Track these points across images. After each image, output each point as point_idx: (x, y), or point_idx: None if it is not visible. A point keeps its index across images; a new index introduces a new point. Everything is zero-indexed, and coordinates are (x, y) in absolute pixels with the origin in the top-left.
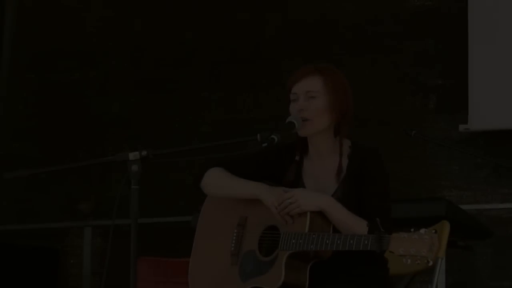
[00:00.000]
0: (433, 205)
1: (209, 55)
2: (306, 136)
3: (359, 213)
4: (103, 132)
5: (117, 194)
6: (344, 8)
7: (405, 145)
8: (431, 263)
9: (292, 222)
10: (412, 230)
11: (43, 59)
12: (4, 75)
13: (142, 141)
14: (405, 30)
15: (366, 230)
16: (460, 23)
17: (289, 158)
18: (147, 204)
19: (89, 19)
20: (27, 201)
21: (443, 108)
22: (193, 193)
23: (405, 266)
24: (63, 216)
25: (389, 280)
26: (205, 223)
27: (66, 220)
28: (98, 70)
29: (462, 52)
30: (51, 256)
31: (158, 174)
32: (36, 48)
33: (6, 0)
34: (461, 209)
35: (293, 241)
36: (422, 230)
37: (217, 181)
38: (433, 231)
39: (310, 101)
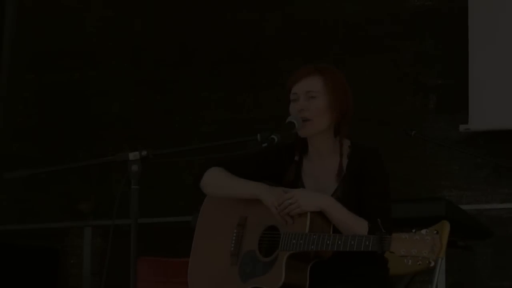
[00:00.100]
0: (433, 205)
1: (209, 55)
2: (306, 136)
3: (359, 213)
4: (103, 132)
5: (117, 194)
6: (344, 8)
7: (405, 145)
8: (432, 264)
9: (292, 223)
10: (413, 230)
11: (43, 59)
12: (4, 75)
13: (142, 141)
14: (405, 30)
15: (367, 230)
16: (460, 23)
17: (289, 158)
18: (147, 204)
19: (89, 19)
20: (27, 201)
21: (443, 108)
22: (193, 193)
23: (406, 266)
24: (63, 216)
25: (389, 280)
26: (205, 223)
27: (66, 220)
28: (98, 70)
29: (462, 52)
30: (51, 256)
31: (158, 174)
32: (36, 48)
33: (6, 0)
34: (461, 209)
35: (294, 241)
36: (424, 231)
37: (217, 181)
38: (435, 231)
39: (311, 101)
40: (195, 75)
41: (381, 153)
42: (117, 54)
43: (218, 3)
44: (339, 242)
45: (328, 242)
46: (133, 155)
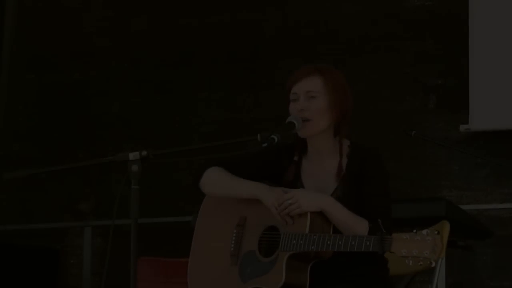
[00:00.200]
0: (433, 205)
1: (209, 55)
2: (306, 136)
3: (359, 212)
4: (103, 132)
5: (117, 194)
6: (344, 8)
7: (405, 145)
8: (434, 264)
9: (292, 223)
10: (414, 231)
11: (43, 59)
12: (4, 75)
13: (142, 141)
14: (405, 30)
15: (367, 231)
16: (460, 23)
17: (288, 158)
18: (147, 204)
19: (89, 19)
20: (27, 201)
21: (443, 108)
22: (193, 193)
23: (407, 266)
24: (63, 216)
25: (389, 280)
26: (204, 223)
27: (66, 220)
28: (98, 70)
29: (462, 52)
30: (51, 256)
31: (158, 174)
32: (36, 48)
33: (6, 0)
34: (461, 209)
35: (294, 241)
36: (425, 231)
37: (216, 181)
38: (436, 232)
39: (311, 101)
40: (195, 75)
41: (381, 153)
42: (117, 54)
43: (218, 3)
44: (340, 243)
45: (328, 242)
46: (133, 155)
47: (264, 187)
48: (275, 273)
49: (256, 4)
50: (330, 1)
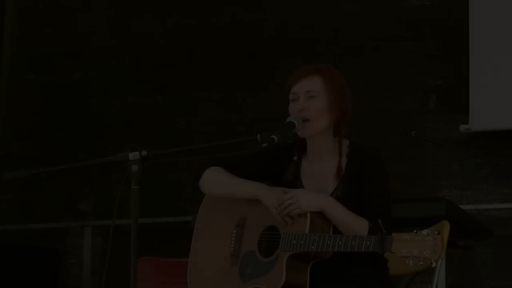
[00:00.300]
0: (433, 205)
1: (209, 55)
2: (306, 136)
3: (359, 212)
4: (103, 132)
5: (117, 194)
6: (344, 8)
7: (405, 145)
8: (434, 265)
9: (292, 223)
10: (414, 231)
11: (43, 59)
12: (4, 75)
13: (142, 141)
14: (405, 30)
15: (367, 231)
16: (460, 23)
17: (288, 158)
18: (147, 204)
19: (89, 19)
20: (27, 201)
21: (443, 108)
22: (193, 193)
23: (407, 267)
24: (63, 216)
25: (389, 280)
26: (204, 223)
27: (66, 220)
28: (98, 70)
29: (462, 52)
30: (51, 256)
31: (158, 174)
32: (36, 48)
33: (6, 0)
34: (461, 209)
35: (294, 241)
36: (425, 231)
37: (216, 181)
38: (436, 232)
39: (311, 101)
40: (195, 75)
41: (381, 152)
42: (117, 54)
43: (218, 3)
44: (340, 243)
45: (328, 242)
46: (133, 155)
47: (264, 187)
48: (275, 273)
49: (256, 4)
50: (330, 1)
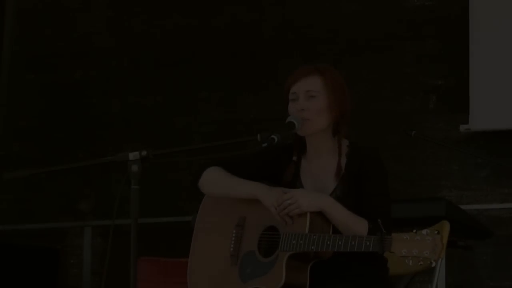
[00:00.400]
0: (433, 205)
1: (209, 55)
2: (305, 135)
3: (359, 212)
4: (103, 132)
5: (117, 194)
6: (344, 8)
7: (405, 145)
8: (434, 264)
9: (291, 223)
10: (414, 231)
11: (43, 59)
12: (4, 75)
13: (142, 141)
14: (405, 30)
15: (367, 231)
16: (460, 23)
17: (287, 158)
18: (147, 204)
19: (89, 19)
20: (27, 201)
21: (443, 108)
22: (193, 193)
23: (407, 266)
24: (63, 216)
25: (389, 279)
26: (204, 223)
27: (66, 220)
28: (98, 70)
29: (462, 52)
30: (51, 256)
31: (158, 174)
32: (36, 48)
33: (6, 0)
34: (461, 209)
35: (294, 242)
36: (424, 231)
37: (215, 181)
38: (436, 231)
39: (311, 101)
40: (195, 75)
41: (380, 152)
42: (117, 54)
43: (218, 3)
44: (340, 243)
45: (328, 242)
46: (133, 155)
47: (263, 187)
48: (275, 273)
49: (255, 4)
50: (330, 1)
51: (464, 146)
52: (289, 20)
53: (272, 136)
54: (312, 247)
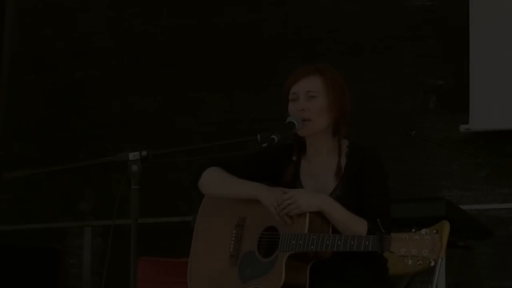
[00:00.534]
0: (433, 205)
1: (209, 55)
2: (306, 135)
3: (358, 212)
4: (103, 132)
5: (117, 194)
6: (344, 8)
7: (405, 145)
8: (433, 264)
9: (291, 223)
10: (413, 230)
11: (43, 59)
12: (4, 75)
13: (142, 141)
14: (405, 30)
15: (366, 231)
16: (460, 23)
17: (287, 158)
18: (147, 204)
19: (89, 19)
20: (27, 201)
21: (443, 108)
22: (193, 193)
23: (406, 266)
24: (63, 216)
25: (388, 279)
26: (203, 223)
27: (66, 220)
28: (98, 70)
29: (462, 52)
30: (51, 256)
31: (158, 174)
32: (36, 48)
33: (6, 0)
34: (461, 209)
35: (293, 242)
36: (423, 231)
37: (215, 181)
38: (435, 231)
39: (311, 101)
40: (195, 75)
41: (380, 152)
42: (117, 54)
43: (218, 3)
44: (339, 243)
45: (327, 242)
46: (133, 155)
47: (263, 187)
48: (275, 273)
49: (255, 4)
50: (330, 1)
51: (464, 146)
52: (289, 20)
53: (272, 136)
54: (312, 247)
